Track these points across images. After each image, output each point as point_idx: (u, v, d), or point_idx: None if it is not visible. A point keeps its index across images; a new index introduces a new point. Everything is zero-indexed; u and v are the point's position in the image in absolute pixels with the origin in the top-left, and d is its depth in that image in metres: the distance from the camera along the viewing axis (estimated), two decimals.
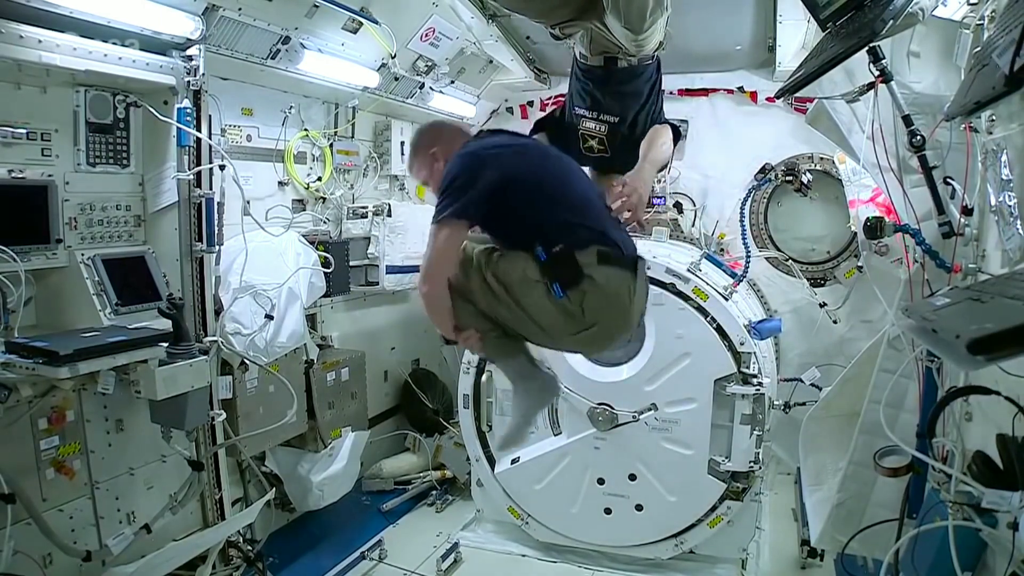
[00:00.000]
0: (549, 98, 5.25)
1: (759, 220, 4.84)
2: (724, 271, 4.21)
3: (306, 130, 4.09)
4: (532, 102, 5.32)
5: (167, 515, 2.89)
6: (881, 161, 2.46)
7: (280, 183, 4.01)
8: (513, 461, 3.97)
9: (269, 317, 3.37)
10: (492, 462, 4.05)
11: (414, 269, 4.63)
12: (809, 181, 4.57)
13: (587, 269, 2.03)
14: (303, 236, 3.88)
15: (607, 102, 2.84)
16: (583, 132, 2.93)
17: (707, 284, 3.58)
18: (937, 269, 2.38)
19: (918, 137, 2.28)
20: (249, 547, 3.28)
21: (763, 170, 4.71)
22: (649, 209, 4.66)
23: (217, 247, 3.13)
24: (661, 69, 2.94)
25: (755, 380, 3.45)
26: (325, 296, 3.98)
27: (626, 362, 3.68)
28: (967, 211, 2.28)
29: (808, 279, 4.69)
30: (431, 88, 4.53)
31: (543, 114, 5.09)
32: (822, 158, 4.56)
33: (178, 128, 2.90)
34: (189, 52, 2.91)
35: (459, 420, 4.13)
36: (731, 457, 3.52)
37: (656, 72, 2.88)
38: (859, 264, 3.92)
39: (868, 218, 2.73)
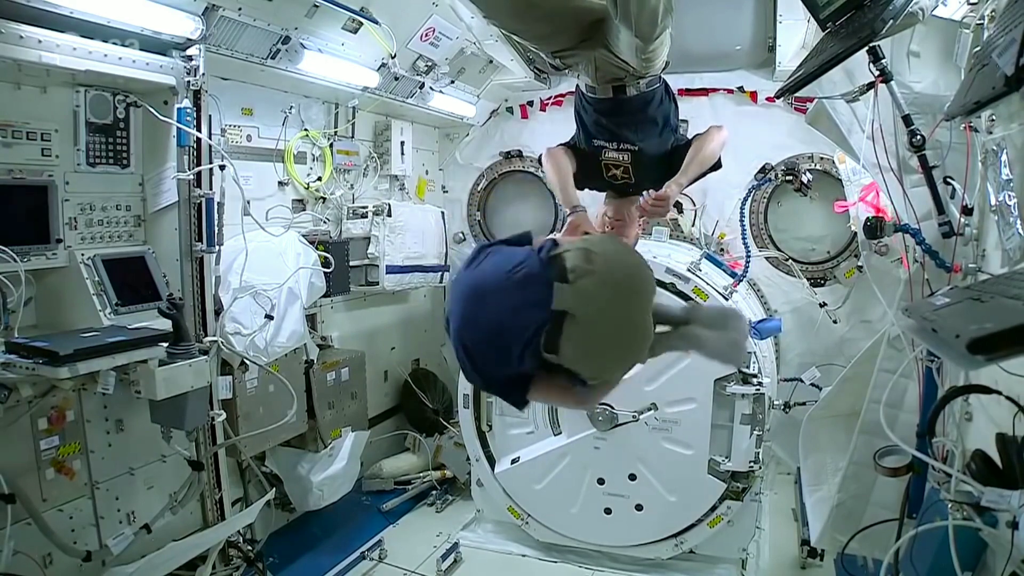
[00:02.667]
0: (549, 98, 5.25)
1: (759, 220, 4.83)
2: (724, 271, 4.21)
3: (306, 130, 4.09)
4: (532, 102, 5.32)
5: (167, 515, 2.89)
6: (881, 161, 2.46)
7: (280, 183, 4.02)
8: (513, 461, 3.97)
9: (269, 317, 3.38)
10: (492, 462, 4.05)
11: (414, 269, 4.65)
12: (809, 181, 4.56)
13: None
14: (303, 236, 3.89)
15: (624, 132, 2.79)
16: (606, 162, 2.88)
17: (707, 284, 3.58)
18: (937, 269, 2.38)
19: (918, 137, 2.28)
20: (249, 547, 3.28)
21: (763, 170, 4.72)
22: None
23: (217, 247, 3.12)
24: (671, 92, 2.90)
25: (755, 380, 3.45)
26: (325, 296, 3.98)
27: None
28: (967, 211, 2.28)
29: (808, 279, 4.69)
30: (431, 88, 4.53)
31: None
32: (822, 158, 4.55)
33: (178, 128, 2.90)
34: (189, 52, 2.91)
35: (459, 420, 4.13)
36: (731, 457, 3.53)
37: (666, 96, 2.84)
38: (859, 264, 3.92)
39: (868, 218, 2.73)
